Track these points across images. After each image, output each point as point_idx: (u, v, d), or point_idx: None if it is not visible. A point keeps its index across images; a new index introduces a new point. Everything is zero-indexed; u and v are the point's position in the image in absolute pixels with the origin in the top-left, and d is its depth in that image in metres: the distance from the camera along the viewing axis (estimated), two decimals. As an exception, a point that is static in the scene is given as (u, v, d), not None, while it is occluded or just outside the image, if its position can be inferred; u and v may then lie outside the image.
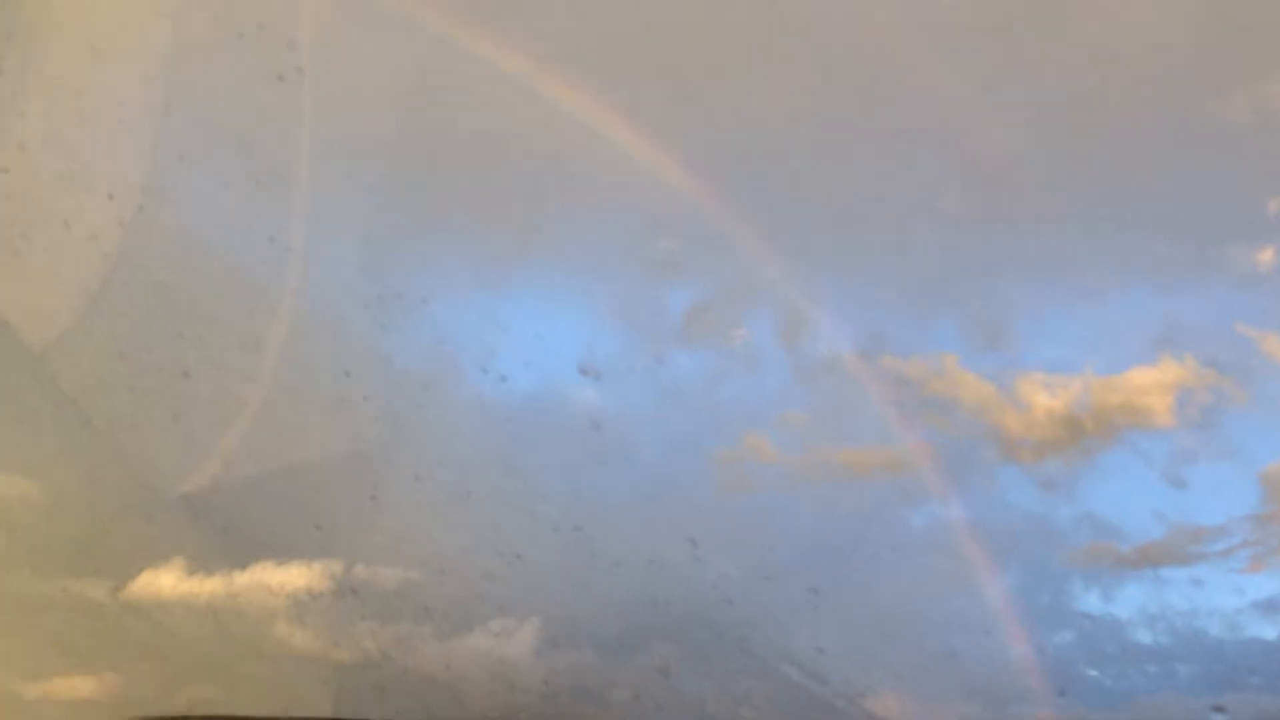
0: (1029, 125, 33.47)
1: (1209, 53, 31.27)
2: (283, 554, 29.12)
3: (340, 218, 28.82)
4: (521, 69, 31.01)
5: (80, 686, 29.77)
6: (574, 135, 31.82)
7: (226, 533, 28.93)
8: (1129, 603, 32.93)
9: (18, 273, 26.85)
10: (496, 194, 31.43)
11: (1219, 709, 28.45)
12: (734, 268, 34.64)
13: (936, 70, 33.02)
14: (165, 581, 29.88)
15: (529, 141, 31.89)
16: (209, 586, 29.96)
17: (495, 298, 31.35)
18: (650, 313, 33.96)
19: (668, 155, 32.28)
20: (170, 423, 27.96)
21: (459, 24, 30.53)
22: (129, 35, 26.86)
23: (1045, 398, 33.33)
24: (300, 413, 28.05)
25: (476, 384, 29.09)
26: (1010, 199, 34.09)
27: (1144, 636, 32.37)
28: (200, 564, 29.76)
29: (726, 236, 33.41)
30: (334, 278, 28.58)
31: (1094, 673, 31.87)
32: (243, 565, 29.79)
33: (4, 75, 25.94)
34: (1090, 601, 33.18)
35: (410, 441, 28.90)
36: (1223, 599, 32.40)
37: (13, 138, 26.25)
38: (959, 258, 34.67)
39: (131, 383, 27.58)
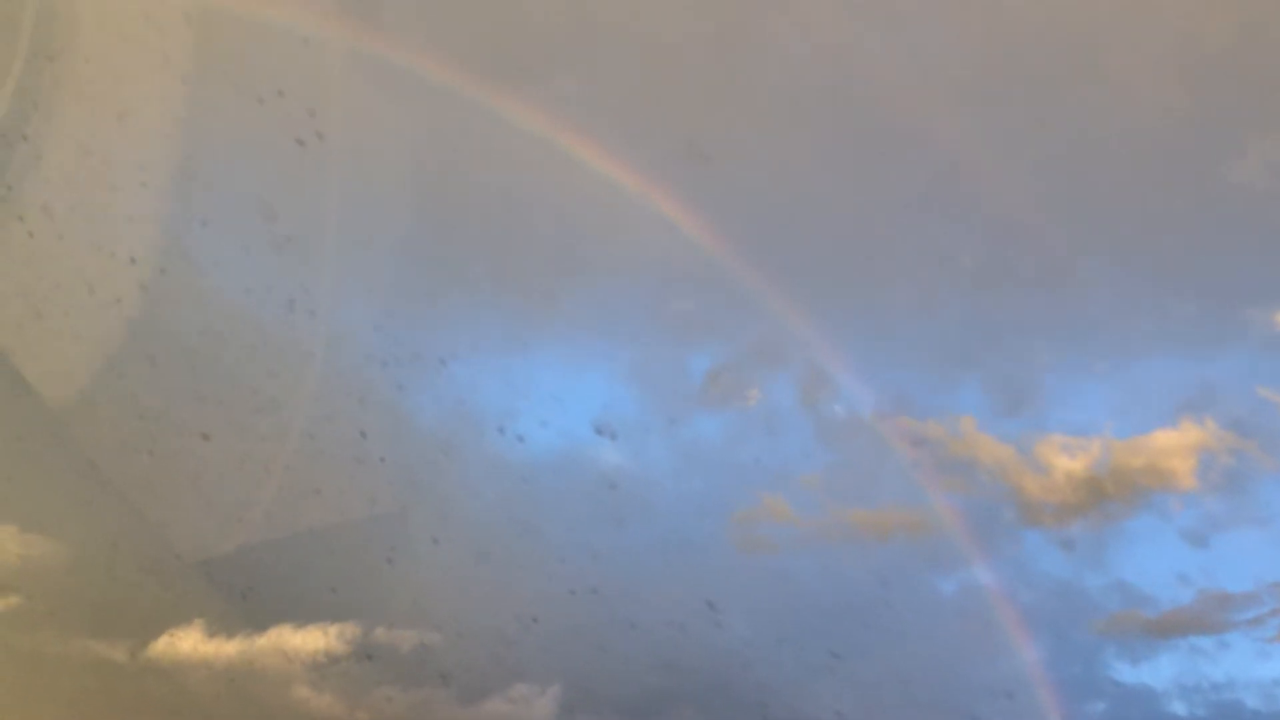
0: (1049, 188, 33.50)
1: (1222, 113, 31.23)
2: (301, 617, 29.05)
3: (359, 279, 29.15)
4: (541, 130, 31.15)
5: (99, 749, 29.59)
6: (593, 196, 31.92)
7: (246, 595, 28.98)
8: (1162, 673, 32.64)
9: (41, 336, 27.10)
10: (515, 254, 31.64)
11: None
12: (754, 329, 34.52)
13: (958, 131, 33.07)
14: (185, 644, 29.89)
15: (548, 202, 32.05)
16: (228, 649, 29.99)
17: (514, 358, 31.41)
18: (670, 374, 33.85)
19: (687, 215, 32.37)
20: (190, 485, 28.02)
21: (479, 86, 30.70)
22: (151, 101, 27.24)
23: (1065, 460, 33.10)
24: (318, 475, 28.19)
25: (494, 445, 29.09)
26: (1032, 261, 34.02)
27: (1179, 709, 31.88)
28: (220, 626, 29.77)
29: (746, 298, 33.38)
30: (352, 339, 28.77)
31: (1130, 746, 31.49)
32: (262, 628, 29.76)
33: (28, 140, 26.33)
34: (1122, 671, 32.94)
35: (428, 503, 28.96)
36: (1258, 669, 32.12)
37: (37, 202, 26.57)
38: (981, 319, 34.49)
39: (152, 445, 27.74)
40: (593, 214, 32.63)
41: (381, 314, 29.35)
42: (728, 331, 34.92)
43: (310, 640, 29.53)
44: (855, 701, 28.64)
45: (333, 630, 29.51)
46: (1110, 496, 33.09)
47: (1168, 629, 32.39)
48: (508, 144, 31.60)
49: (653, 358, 33.91)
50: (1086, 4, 32.63)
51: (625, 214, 32.17)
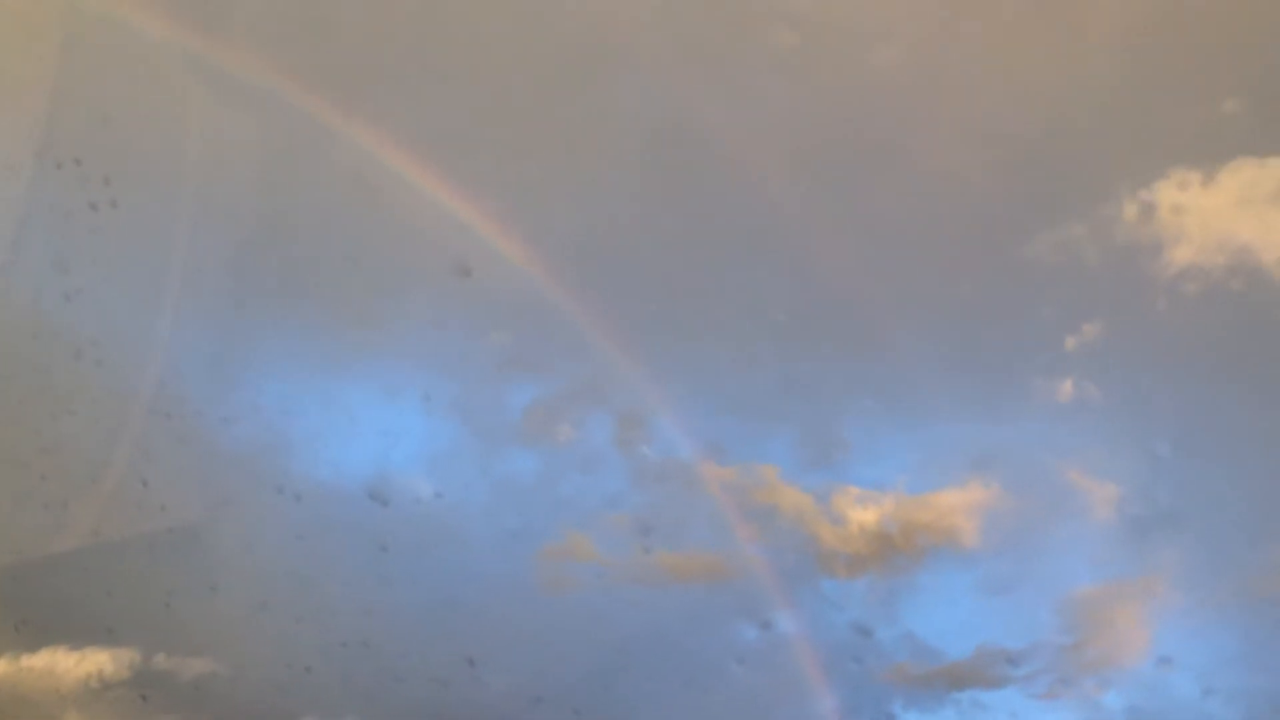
0: (862, 256, 34.63)
1: (1017, 198, 32.43)
2: (74, 639, 29.65)
3: (153, 331, 29.44)
4: (372, 151, 31.51)
5: None
6: (420, 222, 32.31)
7: (15, 615, 29.29)
8: (948, 727, 33.15)
9: None
10: (327, 297, 32.09)
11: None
12: (574, 368, 35.19)
13: (784, 193, 34.02)
14: (-58, 666, 29.36)
15: (369, 225, 32.41)
16: (-9, 671, 29.55)
17: (318, 394, 32.13)
18: (489, 407, 34.52)
19: (515, 249, 32.89)
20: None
21: (308, 101, 31.01)
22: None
23: (859, 512, 34.18)
24: (97, 516, 28.76)
25: (272, 502, 29.67)
26: (842, 324, 35.10)
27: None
28: (-15, 647, 29.60)
29: (569, 337, 34.00)
30: (138, 391, 29.12)
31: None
32: (33, 649, 30.10)
33: None
34: (910, 720, 33.35)
35: (207, 553, 29.59)
36: (1036, 725, 32.52)
37: None
38: (793, 373, 35.44)
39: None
40: (419, 235, 32.92)
41: (168, 367, 29.74)
42: (549, 368, 35.31)
43: (85, 664, 29.77)
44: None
45: (110, 655, 29.95)
46: (900, 549, 34.22)
47: (951, 681, 33.73)
48: (330, 164, 31.91)
49: (472, 389, 34.32)
50: (909, 92, 33.66)
51: (453, 239, 32.46)
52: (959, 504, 34.32)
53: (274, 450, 31.38)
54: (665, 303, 35.89)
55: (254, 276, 32.63)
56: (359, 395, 33.53)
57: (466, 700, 29.81)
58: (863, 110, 34.73)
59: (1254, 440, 31.74)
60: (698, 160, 35.00)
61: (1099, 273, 32.96)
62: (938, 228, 34.79)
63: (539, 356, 35.59)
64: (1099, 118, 33.25)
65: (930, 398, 35.27)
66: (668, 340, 35.86)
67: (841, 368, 35.97)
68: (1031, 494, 34.16)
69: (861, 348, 35.84)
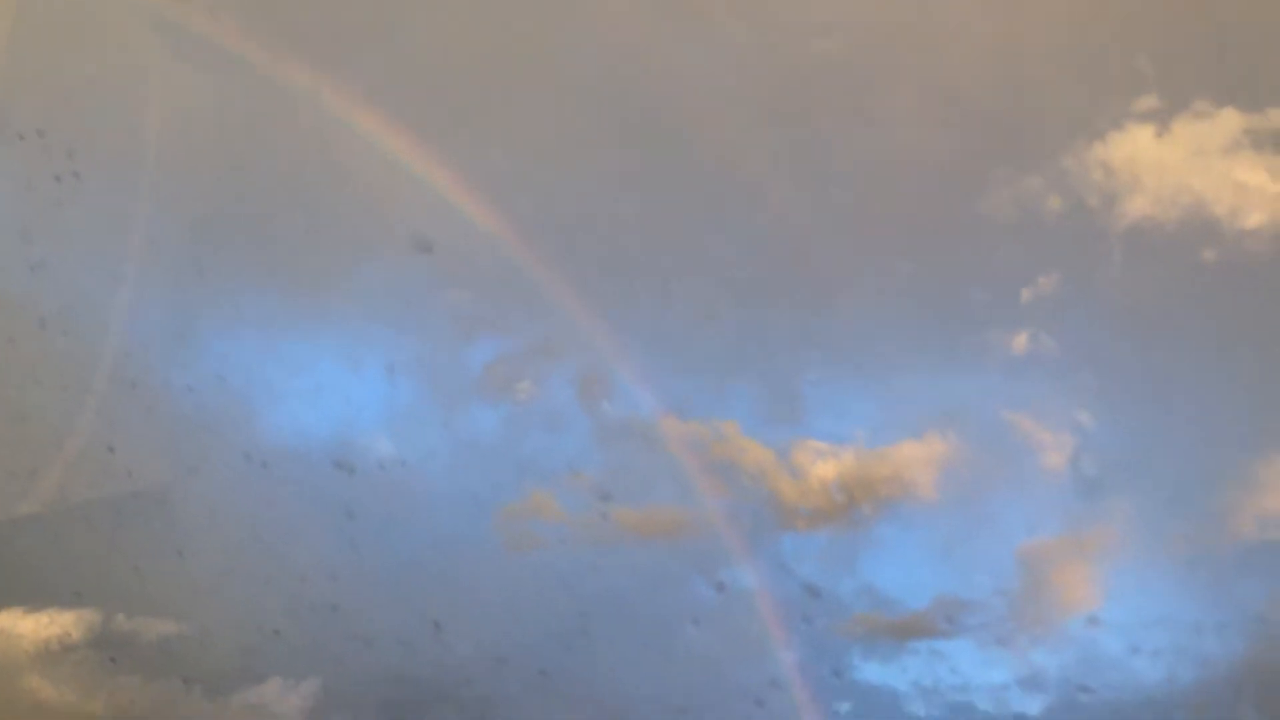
0: (821, 212, 34.90)
1: (972, 153, 32.87)
2: (36, 601, 30.02)
3: (115, 300, 29.78)
4: (335, 112, 31.68)
5: None
6: (384, 181, 32.53)
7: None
8: (904, 674, 34.33)
9: None
10: (288, 247, 32.25)
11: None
12: (535, 324, 35.49)
13: (743, 150, 34.29)
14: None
15: (330, 190, 32.60)
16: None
17: (280, 359, 32.47)
18: (449, 364, 34.84)
19: (477, 207, 33.08)
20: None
21: (272, 69, 31.13)
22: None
23: (819, 466, 34.55)
24: (64, 480, 29.11)
25: (240, 469, 30.07)
26: (801, 279, 35.45)
27: (918, 709, 33.89)
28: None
29: (531, 293, 34.29)
30: (103, 359, 29.51)
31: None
32: (-2, 610, 29.36)
33: None
34: (867, 671, 34.61)
35: (173, 519, 29.94)
36: (987, 673, 33.91)
37: None
38: (753, 330, 35.86)
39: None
40: (381, 197, 33.14)
41: (133, 338, 30.15)
42: (510, 325, 35.65)
43: (45, 625, 30.12)
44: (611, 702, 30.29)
45: (70, 616, 30.18)
46: (858, 503, 34.72)
47: (908, 632, 34.28)
48: (292, 132, 32.14)
49: (434, 348, 34.66)
50: (866, 52, 34.07)
51: (415, 200, 32.71)
52: (916, 457, 34.75)
53: (241, 417, 31.76)
54: (625, 260, 36.15)
55: (218, 246, 32.63)
56: (323, 359, 33.76)
57: (432, 662, 30.16)
58: (818, 71, 35.01)
59: (1205, 391, 32.04)
60: (657, 122, 35.26)
61: (1054, 226, 33.33)
62: (893, 184, 35.28)
63: (500, 315, 35.69)
64: (1053, 72, 33.63)
65: (888, 352, 35.75)
66: (628, 297, 36.10)
67: (800, 323, 36.39)
68: (987, 447, 34.53)
69: (820, 303, 36.30)
